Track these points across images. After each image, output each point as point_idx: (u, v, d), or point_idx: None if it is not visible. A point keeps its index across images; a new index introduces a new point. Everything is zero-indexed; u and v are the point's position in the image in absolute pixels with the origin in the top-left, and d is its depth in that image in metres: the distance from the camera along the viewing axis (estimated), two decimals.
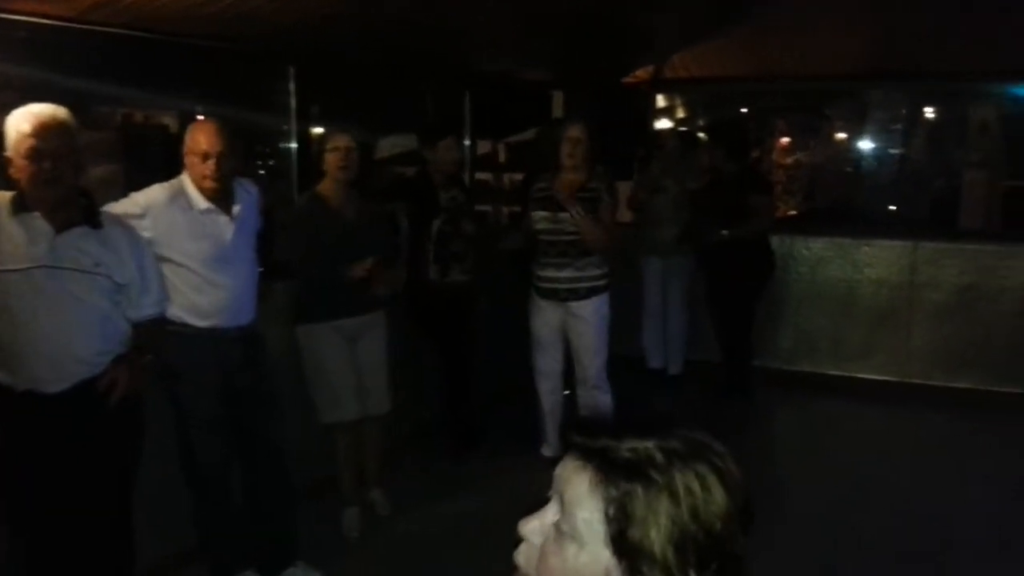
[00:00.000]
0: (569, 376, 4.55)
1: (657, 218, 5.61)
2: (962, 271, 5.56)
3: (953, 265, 5.59)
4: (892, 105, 8.25)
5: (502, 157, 7.57)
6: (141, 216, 2.92)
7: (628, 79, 6.60)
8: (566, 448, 0.93)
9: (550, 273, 4.32)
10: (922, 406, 5.39)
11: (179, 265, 2.98)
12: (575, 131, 4.18)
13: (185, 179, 3.05)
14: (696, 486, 0.86)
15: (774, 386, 5.66)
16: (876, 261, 5.78)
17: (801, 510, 3.86)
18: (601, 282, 4.33)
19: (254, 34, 3.87)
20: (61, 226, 2.55)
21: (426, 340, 4.53)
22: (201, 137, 2.99)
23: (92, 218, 2.63)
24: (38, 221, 2.53)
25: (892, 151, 8.47)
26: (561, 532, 0.90)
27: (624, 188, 5.20)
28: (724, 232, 5.22)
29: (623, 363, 4.90)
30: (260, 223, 3.31)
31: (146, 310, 2.78)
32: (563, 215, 4.20)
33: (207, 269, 3.02)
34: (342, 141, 3.66)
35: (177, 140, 3.12)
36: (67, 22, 3.21)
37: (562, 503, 0.90)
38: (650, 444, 0.88)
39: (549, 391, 4.54)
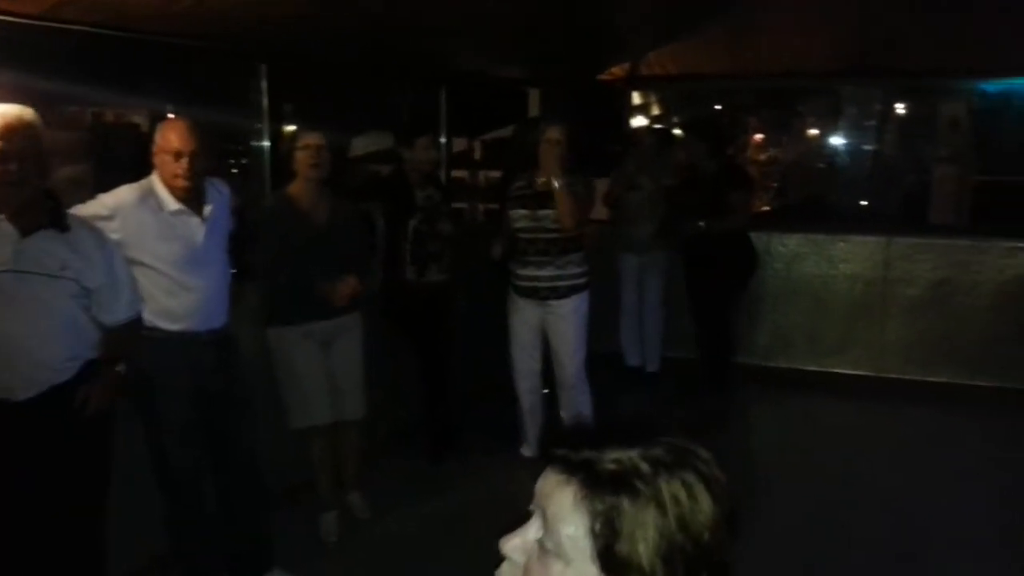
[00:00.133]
0: (548, 375, 4.54)
1: (633, 215, 5.62)
2: (935, 266, 5.62)
3: (926, 260, 5.64)
4: (864, 102, 8.30)
5: (478, 154, 7.54)
6: (109, 218, 2.86)
7: (604, 76, 6.60)
8: (547, 461, 0.90)
9: (530, 272, 4.30)
10: (898, 400, 5.44)
11: (149, 268, 2.92)
12: (554, 132, 4.16)
13: (155, 180, 2.99)
14: (683, 495, 0.84)
15: (751, 382, 5.68)
16: (851, 257, 5.82)
17: (781, 506, 3.86)
18: (581, 280, 4.32)
19: (225, 32, 3.82)
20: (27, 229, 2.50)
21: (403, 339, 4.48)
22: (173, 136, 2.94)
23: (59, 221, 2.58)
24: (3, 224, 2.48)
25: (865, 147, 8.53)
26: (545, 550, 0.87)
27: (600, 185, 5.21)
28: (701, 224, 5.23)
29: (601, 361, 4.90)
30: (232, 224, 3.26)
31: (120, 314, 2.73)
32: (543, 212, 4.18)
33: (178, 271, 2.96)
34: (312, 139, 3.60)
35: (148, 139, 3.06)
36: (35, 20, 3.14)
37: (545, 519, 0.87)
38: (634, 454, 0.86)
39: (528, 390, 4.52)
